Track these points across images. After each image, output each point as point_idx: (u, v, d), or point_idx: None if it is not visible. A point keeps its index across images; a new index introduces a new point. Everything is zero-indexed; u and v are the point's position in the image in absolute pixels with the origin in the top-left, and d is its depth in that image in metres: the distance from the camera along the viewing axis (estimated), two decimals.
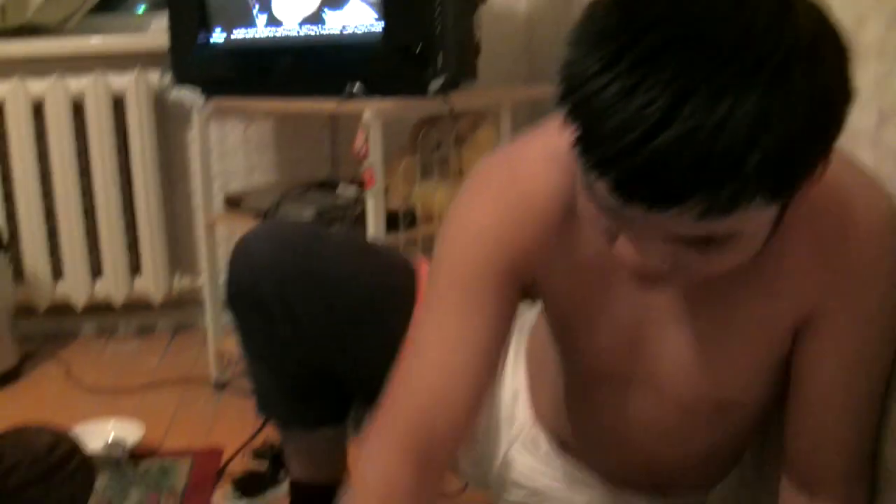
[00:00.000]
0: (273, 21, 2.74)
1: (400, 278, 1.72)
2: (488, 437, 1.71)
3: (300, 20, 2.68)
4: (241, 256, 1.72)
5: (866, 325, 1.23)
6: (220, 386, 3.18)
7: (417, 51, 2.40)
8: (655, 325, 1.34)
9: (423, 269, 1.72)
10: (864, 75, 1.27)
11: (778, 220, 1.04)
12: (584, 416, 1.56)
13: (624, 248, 1.05)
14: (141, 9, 3.85)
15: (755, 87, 0.88)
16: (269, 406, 1.90)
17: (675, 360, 1.35)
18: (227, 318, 3.12)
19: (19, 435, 1.77)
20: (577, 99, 0.94)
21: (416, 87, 2.50)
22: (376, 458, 1.33)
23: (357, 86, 2.46)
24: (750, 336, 1.29)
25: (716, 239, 1.00)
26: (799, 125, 0.90)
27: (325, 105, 2.60)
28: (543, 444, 1.67)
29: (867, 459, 1.32)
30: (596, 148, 0.93)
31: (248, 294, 1.70)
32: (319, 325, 1.67)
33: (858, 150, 1.29)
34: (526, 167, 1.28)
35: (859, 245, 1.19)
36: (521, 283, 1.34)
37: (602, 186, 0.96)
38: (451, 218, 1.36)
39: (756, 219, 0.99)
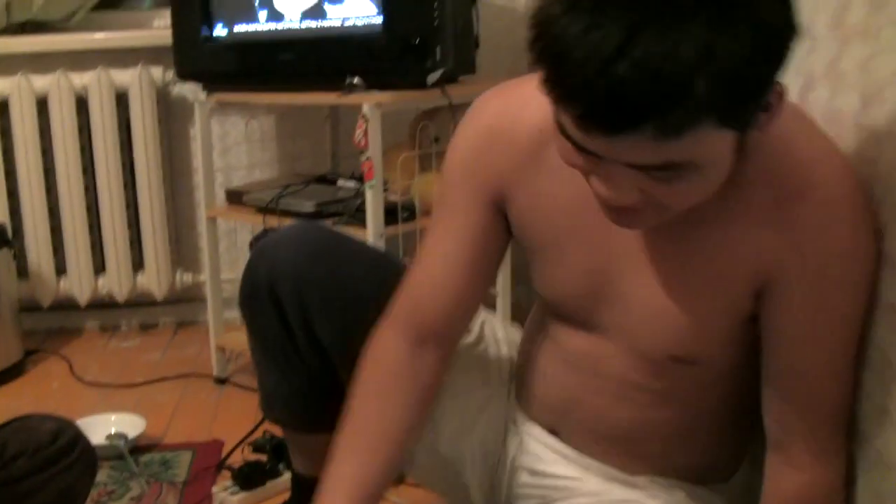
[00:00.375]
0: (274, 15, 2.76)
1: None
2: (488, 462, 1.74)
3: (301, 14, 2.69)
4: (262, 258, 1.75)
5: (826, 290, 1.26)
6: (221, 381, 3.19)
7: (416, 44, 2.41)
8: (618, 273, 1.42)
9: None
10: (849, 58, 1.28)
11: (738, 154, 1.15)
12: (560, 381, 1.60)
13: (597, 184, 1.16)
14: (147, 2, 3.86)
15: (700, 18, 0.99)
16: (273, 408, 1.90)
17: (635, 309, 1.42)
18: (228, 313, 3.15)
19: (23, 423, 1.77)
20: (543, 41, 1.06)
21: (414, 80, 2.51)
22: (379, 338, 1.58)
23: (357, 79, 2.47)
24: (709, 289, 1.34)
25: (675, 166, 1.09)
26: (741, 53, 1.00)
27: (325, 98, 2.62)
28: (541, 439, 1.67)
29: (842, 423, 1.34)
30: (559, 82, 1.05)
31: (264, 296, 1.72)
32: (333, 335, 1.70)
33: (843, 132, 1.30)
34: (515, 100, 1.39)
35: (816, 209, 1.23)
36: (495, 201, 1.49)
37: (568, 121, 1.09)
38: (450, 144, 1.55)
39: (711, 145, 1.09)
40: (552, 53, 1.05)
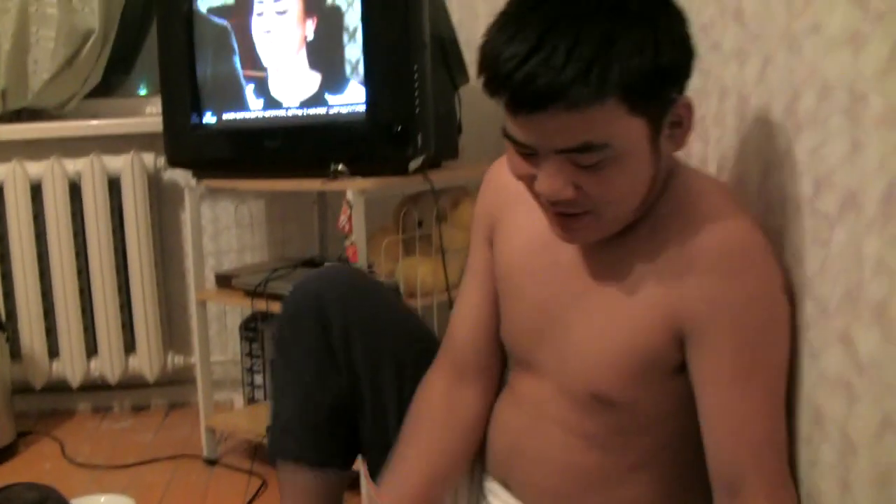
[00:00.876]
0: (265, 103, 2.82)
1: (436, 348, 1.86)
2: None
3: (300, 102, 2.76)
4: (310, 285, 1.84)
5: (743, 335, 1.37)
6: (212, 462, 3.20)
7: (398, 131, 2.47)
8: (561, 312, 1.55)
9: None
10: (800, 146, 1.34)
11: (656, 159, 1.37)
12: (508, 427, 1.68)
13: (540, 184, 1.36)
14: (143, 90, 3.94)
15: (601, 17, 1.27)
16: (284, 437, 1.87)
17: (568, 347, 1.53)
18: (218, 395, 3.19)
19: (8, 491, 1.79)
20: (481, 54, 1.34)
21: (397, 167, 2.56)
22: (425, 382, 1.79)
23: (341, 165, 2.53)
24: (629, 331, 1.45)
25: (595, 147, 1.30)
26: (639, 44, 1.26)
27: (311, 184, 2.67)
28: (498, 494, 1.73)
29: (785, 460, 1.41)
30: (491, 80, 1.32)
31: (312, 315, 1.79)
32: (370, 365, 1.79)
33: (798, 216, 1.36)
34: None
35: (722, 259, 1.37)
36: (489, 237, 1.71)
37: (507, 119, 1.34)
38: None
39: (624, 130, 1.30)
40: (486, 61, 1.33)
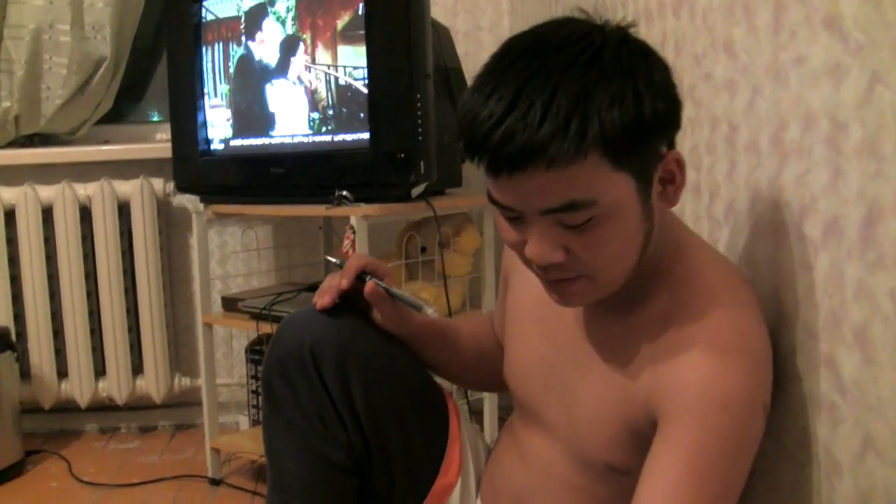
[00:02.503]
0: (271, 131, 2.87)
1: (436, 394, 1.79)
2: None
3: (305, 130, 2.79)
4: (296, 325, 1.67)
5: (700, 439, 1.27)
6: (216, 482, 3.23)
7: (401, 158, 2.50)
8: (566, 368, 1.53)
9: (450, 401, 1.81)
10: (786, 174, 1.37)
11: (647, 217, 1.32)
12: (513, 477, 1.66)
13: (529, 250, 1.31)
14: (155, 117, 3.99)
15: (576, 71, 1.22)
16: (283, 492, 1.69)
17: (576, 410, 1.50)
18: (223, 417, 3.22)
19: None
20: (460, 116, 1.30)
21: (400, 194, 2.60)
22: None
23: (345, 192, 2.56)
24: (624, 401, 1.41)
25: (580, 205, 1.24)
26: (617, 95, 1.22)
27: (315, 210, 2.71)
28: None
29: None
30: (469, 143, 1.27)
31: (305, 359, 1.61)
32: (373, 416, 1.64)
33: (785, 242, 1.39)
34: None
35: (705, 356, 1.30)
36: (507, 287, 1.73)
37: (490, 183, 1.29)
38: None
39: (610, 186, 1.25)
40: (464, 123, 1.28)
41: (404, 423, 1.67)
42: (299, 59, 2.77)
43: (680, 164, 1.34)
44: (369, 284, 1.68)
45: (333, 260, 1.83)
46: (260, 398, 3.17)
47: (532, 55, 1.27)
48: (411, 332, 1.75)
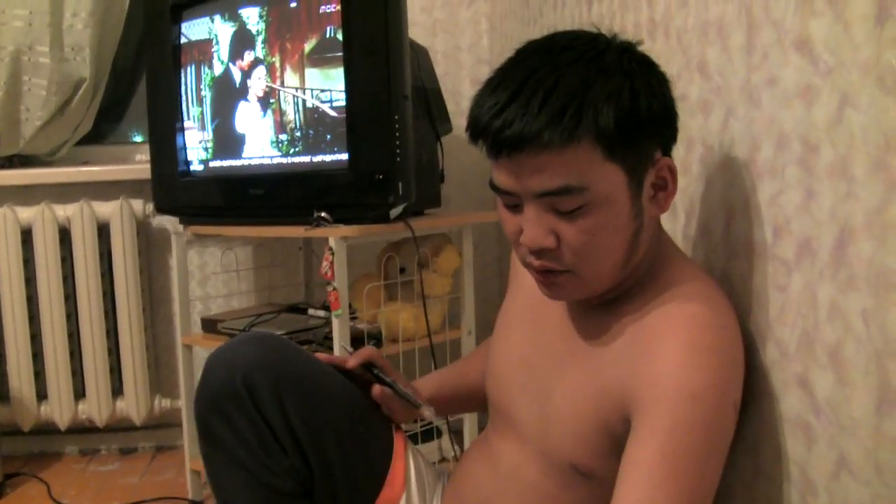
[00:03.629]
0: (250, 152, 2.86)
1: (377, 415, 1.83)
2: None
3: (284, 151, 2.79)
4: (225, 356, 1.67)
5: (670, 431, 1.30)
6: None
7: (379, 179, 2.50)
8: (543, 369, 1.58)
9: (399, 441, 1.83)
10: (760, 194, 1.38)
11: (635, 213, 1.39)
12: (480, 482, 1.68)
13: (524, 235, 1.39)
14: (138, 138, 3.99)
15: (579, 66, 1.33)
16: None
17: (548, 409, 1.54)
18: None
19: None
20: (470, 108, 1.41)
21: (379, 214, 2.60)
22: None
23: (323, 213, 2.56)
24: (597, 401, 1.44)
25: (573, 190, 1.32)
26: (615, 90, 1.32)
27: (293, 231, 2.70)
28: None
29: None
30: (474, 129, 1.39)
31: (239, 390, 1.61)
32: (312, 438, 1.66)
33: (759, 262, 1.40)
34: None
35: (677, 351, 1.34)
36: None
37: (493, 168, 1.39)
38: None
39: (602, 176, 1.33)
40: (471, 111, 1.40)
41: (341, 439, 1.70)
42: (266, 82, 2.77)
43: (672, 171, 1.41)
44: (376, 388, 1.80)
45: (348, 349, 2.07)
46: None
47: (541, 53, 1.38)
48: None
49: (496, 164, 1.39)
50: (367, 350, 1.87)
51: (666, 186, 1.42)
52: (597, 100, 1.30)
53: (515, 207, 1.41)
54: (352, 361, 1.84)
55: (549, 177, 1.32)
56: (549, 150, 1.30)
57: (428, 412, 1.81)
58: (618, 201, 1.36)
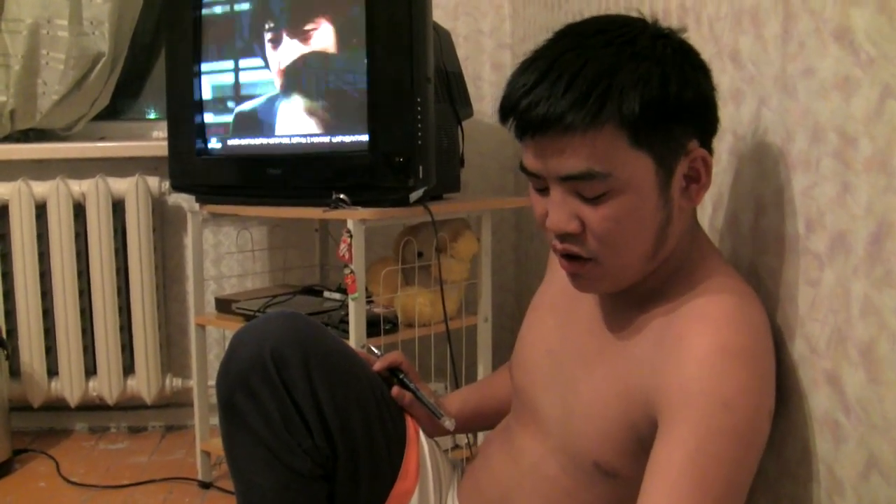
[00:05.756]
0: (269, 131, 2.84)
1: (392, 398, 1.82)
2: None
3: (304, 131, 2.77)
4: (260, 337, 1.64)
5: (700, 439, 1.26)
6: (206, 485, 3.21)
7: (399, 162, 2.48)
8: (569, 362, 1.56)
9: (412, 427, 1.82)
10: (793, 187, 1.35)
11: (663, 204, 1.36)
12: (500, 475, 1.66)
13: (549, 219, 1.38)
14: (152, 114, 3.97)
15: (611, 50, 1.31)
16: None
17: (573, 405, 1.51)
18: (215, 419, 3.19)
19: None
20: (503, 92, 1.39)
21: (398, 198, 2.58)
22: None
23: (342, 195, 2.54)
24: (623, 399, 1.41)
25: (597, 175, 1.31)
26: (643, 76, 1.29)
27: (311, 213, 2.69)
28: None
29: None
30: (502, 109, 1.39)
31: (267, 375, 1.59)
32: (340, 418, 1.64)
33: (790, 256, 1.38)
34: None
35: (708, 355, 1.29)
36: None
37: (523, 150, 1.39)
38: None
39: (627, 162, 1.31)
40: (504, 91, 1.39)
41: (368, 421, 1.69)
42: (287, 61, 2.75)
43: (707, 163, 1.38)
44: (396, 388, 1.82)
45: (375, 350, 1.96)
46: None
47: (574, 36, 1.37)
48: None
49: (524, 146, 1.39)
50: (394, 355, 1.88)
51: (699, 178, 1.39)
52: (623, 84, 1.29)
53: (543, 191, 1.40)
54: (378, 364, 1.85)
55: (572, 160, 1.31)
56: (573, 133, 1.29)
57: (449, 423, 1.82)
58: (643, 189, 1.34)
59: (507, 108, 1.37)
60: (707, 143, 1.40)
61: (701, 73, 1.38)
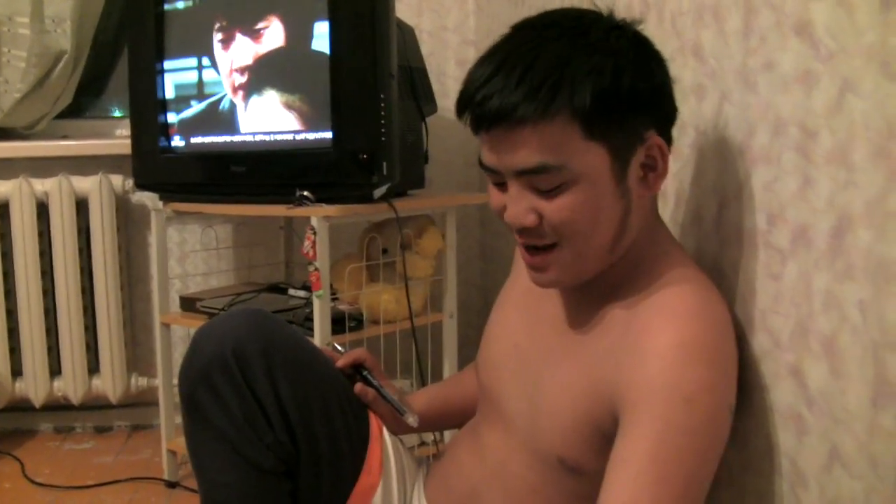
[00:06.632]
0: (232, 129, 2.83)
1: (355, 396, 1.81)
2: None
3: (267, 128, 2.76)
4: (223, 331, 1.63)
5: (661, 433, 1.26)
6: (172, 484, 3.20)
7: (363, 159, 2.48)
8: (535, 357, 1.56)
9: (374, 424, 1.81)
10: (755, 181, 1.36)
11: (620, 193, 1.37)
12: (468, 472, 1.67)
13: (507, 213, 1.40)
14: (117, 112, 3.95)
15: (561, 42, 1.33)
16: None
17: (538, 400, 1.51)
18: (180, 417, 3.18)
19: None
20: (461, 88, 1.41)
21: (362, 194, 2.58)
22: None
23: (306, 192, 2.54)
24: (591, 397, 1.40)
25: (551, 169, 1.32)
26: (594, 67, 1.30)
27: (275, 210, 2.68)
28: None
29: None
30: (458, 103, 1.41)
31: (229, 370, 1.58)
32: (301, 413, 1.63)
33: (752, 250, 1.38)
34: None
35: (669, 350, 1.30)
36: None
37: (479, 140, 1.40)
38: None
39: (580, 155, 1.32)
40: (461, 89, 1.41)
41: (330, 416, 1.68)
42: (250, 57, 2.74)
43: (663, 151, 1.38)
44: (359, 385, 1.81)
45: (339, 347, 1.98)
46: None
47: (529, 29, 1.39)
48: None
49: (481, 141, 1.40)
50: (358, 351, 1.88)
51: (656, 167, 1.40)
52: (574, 76, 1.30)
53: (501, 185, 1.42)
54: (342, 361, 1.85)
55: (526, 154, 1.33)
56: (525, 126, 1.31)
57: (412, 419, 1.81)
58: (599, 181, 1.35)
59: (463, 102, 1.39)
60: (665, 132, 1.42)
61: (655, 64, 1.40)
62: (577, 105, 1.29)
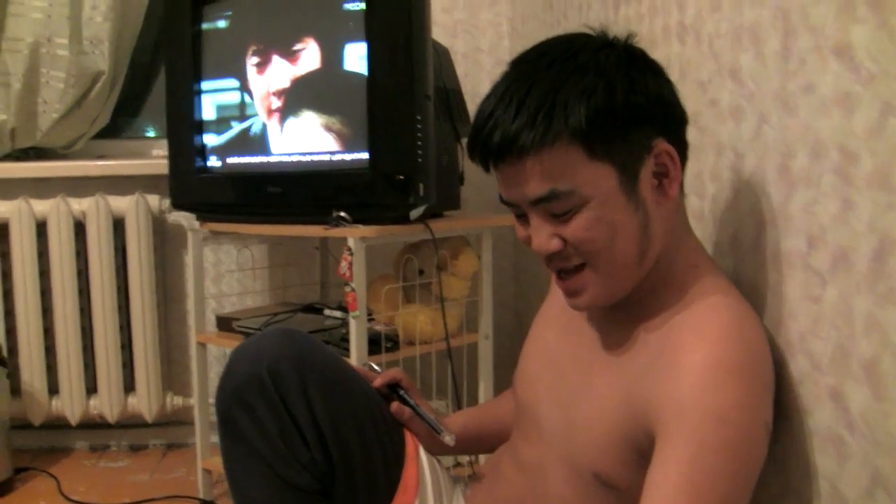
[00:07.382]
0: (269, 149, 2.84)
1: (390, 415, 1.81)
2: None
3: (304, 149, 2.76)
4: (257, 350, 1.64)
5: (695, 454, 1.26)
6: (207, 503, 3.21)
7: (400, 180, 2.48)
8: (571, 374, 1.57)
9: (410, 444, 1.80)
10: (794, 204, 1.35)
11: (630, 196, 1.37)
12: (510, 486, 1.68)
13: (533, 244, 1.42)
14: (151, 132, 3.97)
15: (553, 69, 1.35)
16: None
17: (574, 415, 1.52)
18: (216, 437, 3.19)
19: None
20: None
21: (398, 215, 2.58)
22: None
23: (342, 213, 2.54)
24: (621, 412, 1.41)
25: (562, 195, 1.35)
26: (587, 88, 1.32)
27: (312, 230, 2.69)
28: None
29: None
30: (469, 142, 1.44)
31: (263, 389, 1.59)
32: (335, 431, 1.63)
33: (791, 272, 1.38)
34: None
35: (704, 373, 1.29)
36: None
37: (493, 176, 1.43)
38: None
39: (587, 176, 1.34)
40: (470, 132, 1.44)
41: (364, 434, 1.68)
42: (287, 79, 2.75)
43: (671, 155, 1.39)
44: (395, 404, 1.81)
45: (375, 367, 1.97)
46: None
47: (523, 63, 1.42)
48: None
49: (496, 177, 1.43)
50: (394, 371, 1.88)
51: (668, 173, 1.41)
52: (567, 99, 1.32)
53: (523, 217, 1.45)
54: (378, 381, 1.84)
55: (535, 183, 1.36)
56: (528, 155, 1.34)
57: (449, 438, 1.80)
58: (609, 198, 1.36)
59: (472, 142, 1.43)
60: (674, 137, 1.43)
61: (650, 74, 1.41)
62: (573, 127, 1.31)
